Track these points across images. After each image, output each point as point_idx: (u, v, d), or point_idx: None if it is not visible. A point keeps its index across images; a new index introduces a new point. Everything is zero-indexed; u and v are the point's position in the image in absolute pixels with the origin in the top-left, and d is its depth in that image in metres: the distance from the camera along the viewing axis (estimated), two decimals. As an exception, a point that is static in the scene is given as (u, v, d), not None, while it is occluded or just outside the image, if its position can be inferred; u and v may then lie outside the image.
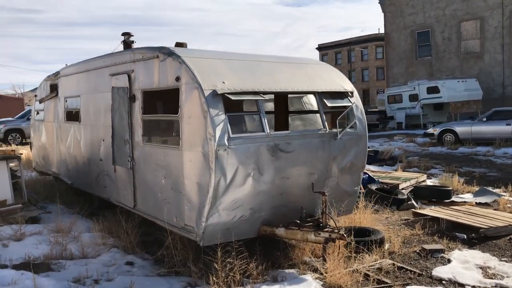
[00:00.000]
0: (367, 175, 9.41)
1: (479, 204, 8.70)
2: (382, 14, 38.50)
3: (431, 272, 5.41)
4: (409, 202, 8.61)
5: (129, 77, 6.65)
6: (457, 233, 6.77)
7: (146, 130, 6.42)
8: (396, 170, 12.21)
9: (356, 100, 6.61)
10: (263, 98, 5.56)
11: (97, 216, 7.60)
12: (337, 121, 6.11)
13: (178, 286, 5.09)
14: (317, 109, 6.28)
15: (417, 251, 6.16)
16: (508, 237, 6.52)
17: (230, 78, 5.57)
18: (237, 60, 6.11)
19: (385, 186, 9.26)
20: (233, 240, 5.26)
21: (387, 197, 8.51)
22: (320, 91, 6.27)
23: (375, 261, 5.75)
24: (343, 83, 6.66)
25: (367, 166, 12.81)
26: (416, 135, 21.58)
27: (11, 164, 8.88)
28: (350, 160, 6.44)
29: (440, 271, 5.41)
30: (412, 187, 9.49)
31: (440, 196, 9.00)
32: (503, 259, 5.80)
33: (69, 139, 9.22)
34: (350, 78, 69.39)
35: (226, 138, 5.17)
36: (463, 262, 5.67)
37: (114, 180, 7.35)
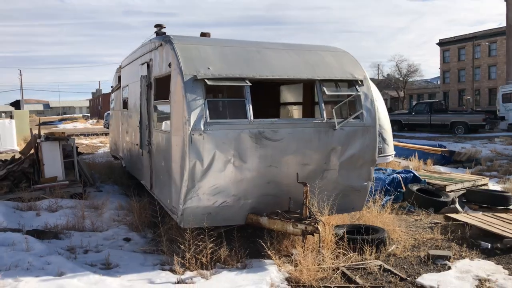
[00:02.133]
0: (411, 174, 8.69)
1: (540, 214, 7.52)
2: (505, 2, 34.86)
3: (416, 278, 4.89)
4: (451, 206, 7.76)
5: (148, 65, 7.03)
6: (481, 241, 5.98)
7: (157, 116, 6.75)
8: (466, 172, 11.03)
9: (366, 89, 6.17)
10: (247, 84, 5.50)
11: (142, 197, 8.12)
12: (333, 110, 5.79)
13: (150, 263, 5.30)
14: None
15: (422, 256, 5.59)
16: (540, 251, 5.57)
17: (218, 64, 5.61)
18: (234, 47, 6.10)
19: (429, 187, 8.46)
20: (205, 225, 5.31)
21: (425, 198, 7.79)
22: (321, 78, 5.99)
23: (363, 260, 5.36)
24: (353, 71, 6.26)
25: (437, 167, 11.86)
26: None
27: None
28: (353, 153, 6.04)
29: (426, 278, 4.86)
30: (465, 190, 8.51)
31: (494, 201, 7.95)
32: (514, 273, 4.99)
33: (124, 125, 10.00)
34: (474, 75, 63.88)
35: (202, 123, 5.23)
36: (462, 272, 5.01)
37: (142, 163, 7.83)
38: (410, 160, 12.03)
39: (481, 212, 7.50)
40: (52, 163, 8.62)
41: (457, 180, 8.79)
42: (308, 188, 5.36)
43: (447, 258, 5.42)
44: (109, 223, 6.89)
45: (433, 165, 12.24)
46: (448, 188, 8.37)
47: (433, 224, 6.96)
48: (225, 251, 5.20)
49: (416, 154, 12.25)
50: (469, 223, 6.49)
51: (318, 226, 5.11)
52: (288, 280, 4.80)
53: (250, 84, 5.52)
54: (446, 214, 7.14)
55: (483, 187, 8.93)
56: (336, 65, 6.30)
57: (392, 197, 7.60)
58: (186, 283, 4.71)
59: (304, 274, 4.70)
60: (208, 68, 5.48)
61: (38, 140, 8.47)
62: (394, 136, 23.40)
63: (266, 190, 5.76)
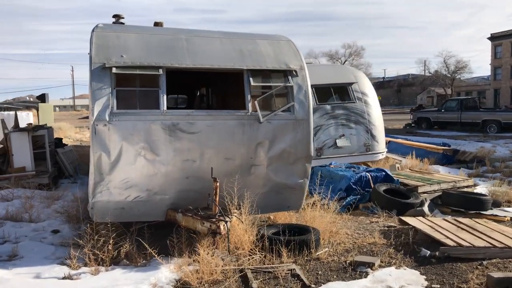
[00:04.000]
0: (383, 173, 8.09)
1: (515, 221, 6.78)
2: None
3: (320, 286, 4.46)
4: (418, 208, 7.15)
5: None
6: (423, 248, 5.41)
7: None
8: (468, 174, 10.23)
9: (301, 80, 5.74)
10: (159, 73, 5.23)
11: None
12: (256, 102, 5.41)
13: (55, 256, 5.18)
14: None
15: (348, 261, 5.12)
16: (481, 262, 4.94)
17: (136, 52, 5.38)
18: (161, 35, 5.84)
19: (401, 187, 7.84)
20: (108, 220, 5.10)
21: (389, 199, 7.23)
22: (249, 68, 5.62)
23: (282, 263, 4.97)
24: (289, 61, 5.83)
25: (436, 166, 11.09)
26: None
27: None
28: (284, 148, 5.64)
29: (332, 286, 4.42)
30: (441, 192, 7.83)
31: (467, 205, 7.24)
32: (433, 286, 4.44)
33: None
34: (526, 73, 59.92)
35: (107, 113, 5.03)
36: (375, 282, 4.52)
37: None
38: (408, 159, 11.32)
39: (443, 217, 6.84)
40: (21, 154, 8.72)
41: (433, 181, 8.11)
42: (218, 184, 5.03)
43: (370, 265, 4.93)
44: (52, 214, 6.86)
45: (434, 164, 11.45)
46: (420, 189, 7.73)
47: (385, 228, 6.42)
48: (126, 248, 4.97)
49: (414, 153, 11.49)
50: (416, 228, 5.91)
51: (220, 225, 4.78)
52: (178, 281, 4.50)
53: (162, 73, 5.24)
54: (400, 218, 6.54)
55: (466, 189, 8.19)
56: (272, 54, 5.89)
57: (338, 196, 7.08)
58: (72, 279, 4.54)
59: (190, 276, 4.39)
60: (122, 56, 5.26)
61: (6, 131, 8.59)
62: (419, 134, 22.37)
63: (186, 186, 5.48)
